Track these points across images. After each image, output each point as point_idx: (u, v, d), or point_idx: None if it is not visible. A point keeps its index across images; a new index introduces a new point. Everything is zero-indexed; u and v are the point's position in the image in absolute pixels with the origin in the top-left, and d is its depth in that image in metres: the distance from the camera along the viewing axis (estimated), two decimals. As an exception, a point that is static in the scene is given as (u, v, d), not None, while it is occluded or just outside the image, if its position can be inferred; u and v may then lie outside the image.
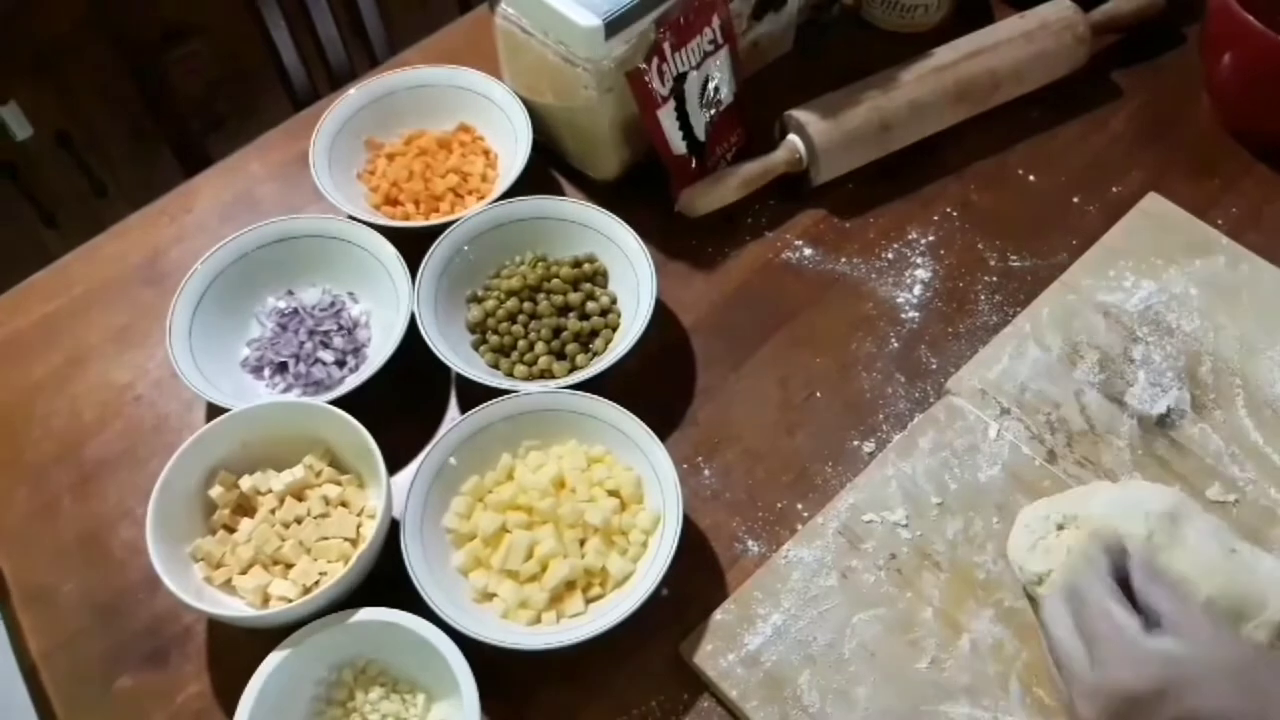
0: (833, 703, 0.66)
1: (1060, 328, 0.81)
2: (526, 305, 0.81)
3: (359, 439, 0.71)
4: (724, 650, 0.68)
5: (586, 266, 0.83)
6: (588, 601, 0.70)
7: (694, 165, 0.88)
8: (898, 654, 0.67)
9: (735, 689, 0.66)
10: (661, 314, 0.84)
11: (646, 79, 0.81)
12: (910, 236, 0.89)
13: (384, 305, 0.82)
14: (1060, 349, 0.80)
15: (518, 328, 0.80)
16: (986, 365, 0.79)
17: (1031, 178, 0.92)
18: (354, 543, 0.71)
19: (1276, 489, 0.73)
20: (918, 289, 0.85)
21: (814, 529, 0.72)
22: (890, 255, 0.88)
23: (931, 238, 0.88)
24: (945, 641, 0.68)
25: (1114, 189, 0.90)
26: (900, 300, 0.85)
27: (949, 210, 0.90)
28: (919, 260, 0.87)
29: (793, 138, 0.89)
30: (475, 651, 0.64)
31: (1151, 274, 0.83)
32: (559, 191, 0.92)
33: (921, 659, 0.67)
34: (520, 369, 0.79)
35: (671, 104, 0.84)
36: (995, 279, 0.86)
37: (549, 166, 0.93)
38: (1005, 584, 0.69)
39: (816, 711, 0.65)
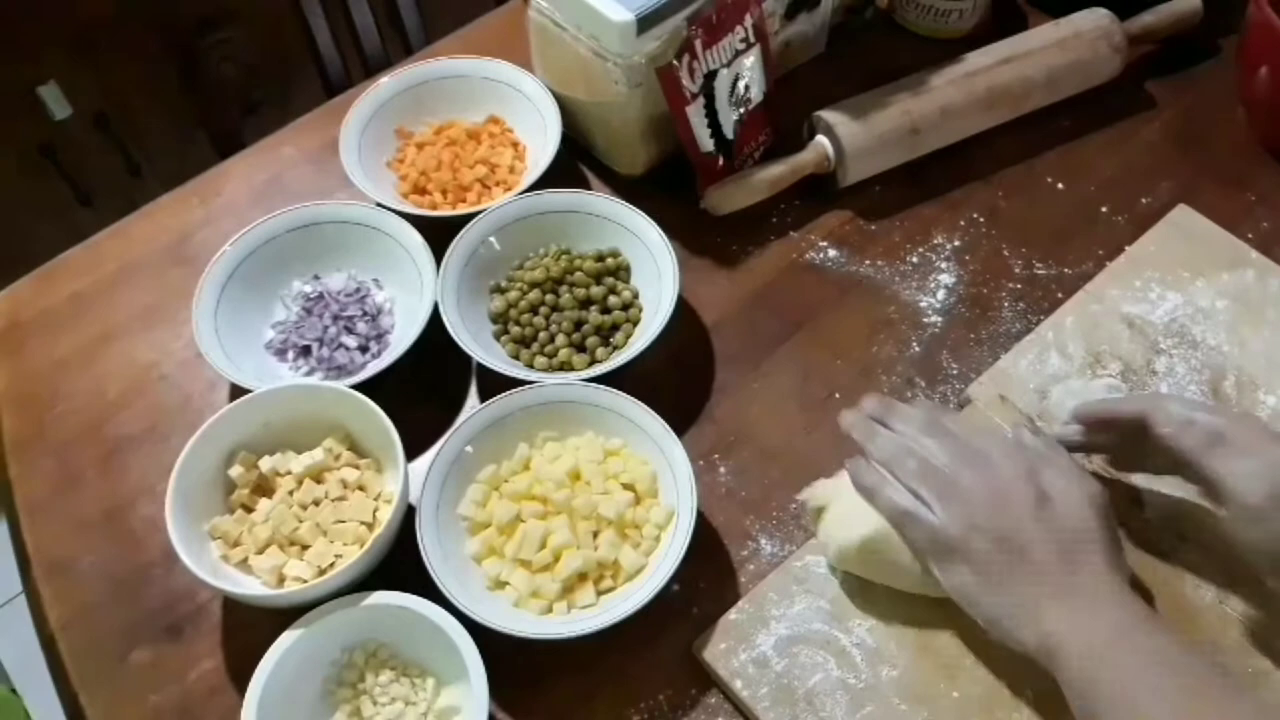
0: (845, 708, 0.65)
1: (1083, 337, 0.80)
2: (549, 297, 0.81)
3: (379, 424, 0.72)
4: (736, 649, 0.68)
5: (610, 261, 0.83)
6: (599, 593, 0.70)
7: (721, 163, 0.88)
8: (911, 662, 0.67)
9: (747, 689, 0.66)
10: (683, 310, 0.84)
11: (677, 75, 0.81)
12: (936, 241, 0.88)
13: (408, 293, 0.83)
14: (1082, 358, 0.79)
15: (539, 319, 0.81)
16: (1007, 372, 0.79)
17: (1060, 186, 0.91)
18: (370, 526, 0.71)
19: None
20: (941, 294, 0.85)
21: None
22: (915, 259, 0.87)
23: (957, 243, 0.88)
24: (960, 650, 0.67)
25: (1144, 200, 0.90)
26: (923, 304, 0.85)
27: (976, 216, 0.90)
28: (943, 265, 0.87)
29: (821, 138, 0.89)
30: (486, 639, 0.65)
31: (1178, 286, 0.83)
32: (586, 185, 0.93)
33: (935, 667, 0.67)
34: (540, 360, 0.80)
35: (701, 101, 0.84)
36: (1020, 286, 0.85)
37: (577, 160, 0.94)
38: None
39: (827, 715, 0.65)
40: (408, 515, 0.70)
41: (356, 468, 0.74)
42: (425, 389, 0.81)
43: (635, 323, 0.82)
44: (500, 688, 0.65)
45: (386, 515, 0.69)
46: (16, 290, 0.88)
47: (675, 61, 0.81)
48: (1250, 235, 0.86)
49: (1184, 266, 0.84)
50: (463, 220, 0.83)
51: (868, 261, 0.87)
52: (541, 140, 0.90)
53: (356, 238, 0.84)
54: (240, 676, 0.67)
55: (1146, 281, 0.83)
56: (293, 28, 1.34)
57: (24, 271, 0.90)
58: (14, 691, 1.37)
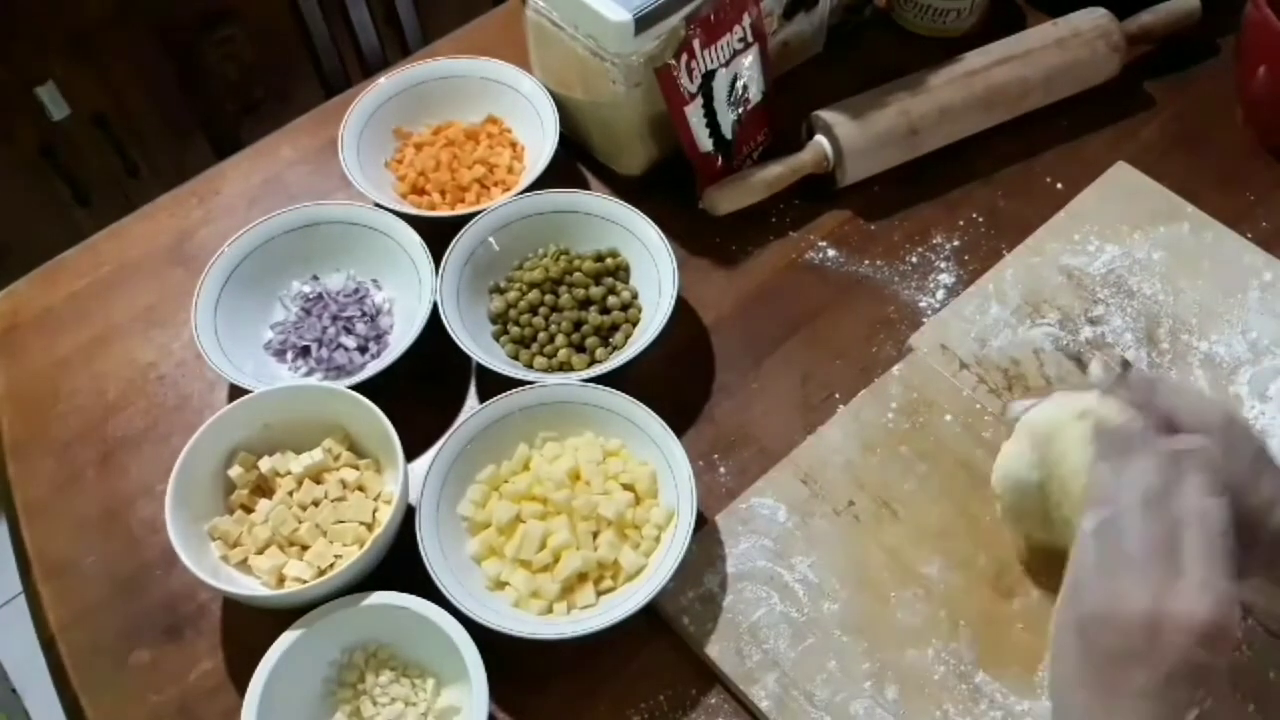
0: (787, 640, 0.68)
1: (1023, 288, 0.83)
2: (548, 298, 0.81)
3: (378, 424, 0.72)
4: (684, 588, 0.70)
5: (609, 261, 0.83)
6: (599, 594, 0.70)
7: (720, 163, 0.88)
8: (851, 596, 0.69)
9: (693, 624, 0.68)
10: (682, 311, 0.84)
11: (675, 75, 0.81)
12: (935, 241, 0.88)
13: (407, 293, 0.83)
14: (1021, 308, 0.81)
15: (538, 320, 0.81)
16: (949, 322, 0.81)
17: (1059, 186, 0.91)
18: (370, 527, 0.71)
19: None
20: (941, 294, 0.85)
21: (777, 479, 0.74)
22: (914, 259, 0.87)
23: (956, 243, 0.88)
24: (898, 584, 0.70)
25: (1142, 199, 0.90)
26: (922, 304, 0.85)
27: (975, 216, 0.90)
28: (943, 265, 0.87)
29: (820, 138, 0.89)
30: (486, 639, 0.65)
31: (1116, 239, 0.86)
32: (584, 185, 0.93)
33: (874, 600, 0.69)
34: (540, 361, 0.80)
35: (699, 101, 0.84)
36: (1019, 286, 0.85)
37: (575, 160, 0.94)
38: (958, 533, 0.72)
39: (770, 647, 0.67)
40: (407, 516, 0.71)
41: (356, 468, 0.74)
42: (424, 389, 0.81)
43: (634, 323, 0.82)
44: (500, 688, 0.65)
45: (386, 515, 0.69)
46: (16, 290, 0.88)
47: (673, 61, 0.81)
48: (1250, 235, 0.86)
49: (1122, 220, 0.86)
50: (461, 220, 0.83)
51: (867, 261, 0.88)
52: (540, 141, 0.90)
53: (355, 238, 0.84)
54: (240, 677, 0.67)
55: (1085, 235, 0.86)
56: (290, 28, 1.34)
57: (23, 272, 0.90)
58: (14, 692, 1.37)
